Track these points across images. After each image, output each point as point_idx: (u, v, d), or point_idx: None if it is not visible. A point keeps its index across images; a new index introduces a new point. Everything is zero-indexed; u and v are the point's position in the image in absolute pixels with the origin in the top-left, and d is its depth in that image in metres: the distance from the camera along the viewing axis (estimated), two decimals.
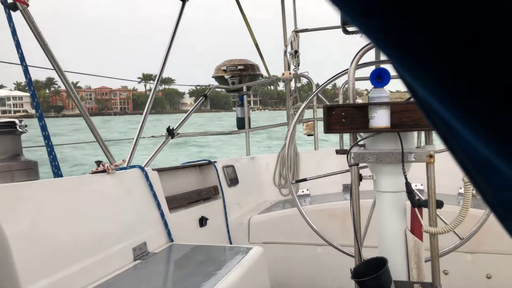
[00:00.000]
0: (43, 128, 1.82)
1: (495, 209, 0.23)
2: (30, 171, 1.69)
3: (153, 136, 3.14)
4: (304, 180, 2.24)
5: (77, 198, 1.68)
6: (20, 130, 1.72)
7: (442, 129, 0.22)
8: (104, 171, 1.89)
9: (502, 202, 0.22)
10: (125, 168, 2.09)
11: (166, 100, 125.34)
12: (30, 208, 1.46)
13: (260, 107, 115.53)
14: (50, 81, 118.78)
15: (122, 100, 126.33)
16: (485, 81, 0.18)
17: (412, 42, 0.19)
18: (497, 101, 0.18)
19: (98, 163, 1.89)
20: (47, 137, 1.83)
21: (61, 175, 1.87)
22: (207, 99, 3.51)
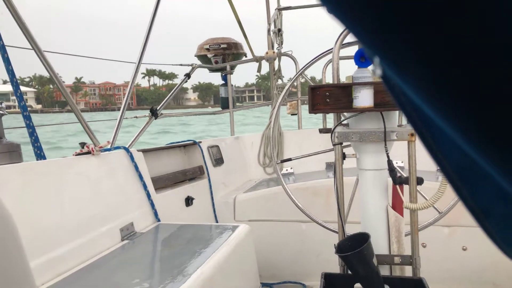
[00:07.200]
0: (24, 108, 1.78)
1: (476, 215, 0.22)
2: (12, 153, 1.66)
3: (136, 117, 3.11)
4: (289, 160, 2.28)
5: (61, 180, 1.67)
6: (1, 112, 1.68)
7: (423, 128, 0.21)
8: (88, 152, 1.87)
9: (487, 211, 0.22)
10: (109, 150, 2.08)
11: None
12: (14, 191, 1.45)
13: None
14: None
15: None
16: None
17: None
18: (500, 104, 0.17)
19: (83, 144, 1.88)
20: (28, 118, 1.78)
21: (44, 157, 1.84)
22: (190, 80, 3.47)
